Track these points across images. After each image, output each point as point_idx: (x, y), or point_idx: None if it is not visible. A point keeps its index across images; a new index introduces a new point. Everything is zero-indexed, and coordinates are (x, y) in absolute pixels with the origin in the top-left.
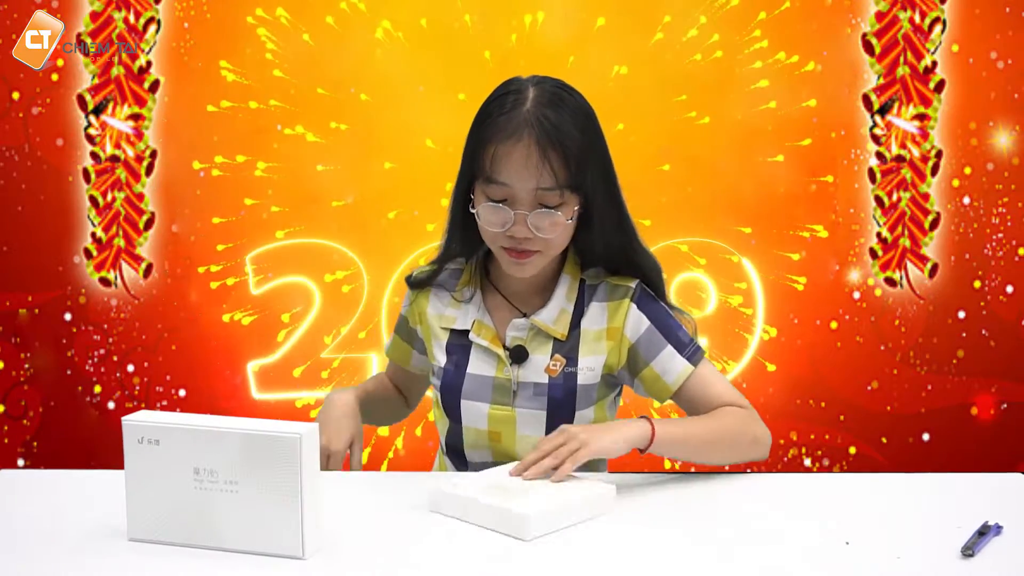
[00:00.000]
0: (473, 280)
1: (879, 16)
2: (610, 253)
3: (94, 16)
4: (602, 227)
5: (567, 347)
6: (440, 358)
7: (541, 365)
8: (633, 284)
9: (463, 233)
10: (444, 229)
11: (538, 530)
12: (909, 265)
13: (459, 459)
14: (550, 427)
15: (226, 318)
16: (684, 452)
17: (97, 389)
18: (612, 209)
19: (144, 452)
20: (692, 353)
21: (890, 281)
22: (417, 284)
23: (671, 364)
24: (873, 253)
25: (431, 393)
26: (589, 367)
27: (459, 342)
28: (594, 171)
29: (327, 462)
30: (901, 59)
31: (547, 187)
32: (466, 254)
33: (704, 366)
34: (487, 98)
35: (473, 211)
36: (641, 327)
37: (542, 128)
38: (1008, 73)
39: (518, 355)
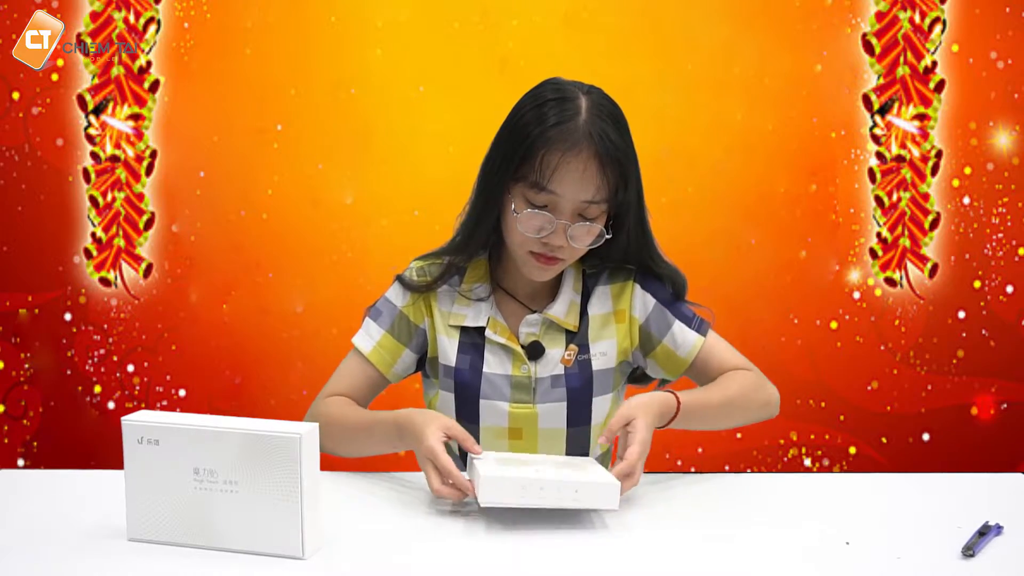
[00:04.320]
0: (485, 278)
1: (879, 16)
2: (627, 262)
3: (94, 16)
4: (627, 238)
5: (579, 336)
6: (451, 357)
7: (556, 358)
8: (634, 266)
9: (484, 229)
10: (462, 224)
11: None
12: (909, 265)
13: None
14: (571, 417)
15: (226, 319)
16: (703, 420)
17: (97, 389)
18: (638, 222)
19: (144, 452)
20: (699, 325)
21: (890, 281)
22: (426, 287)
23: (682, 338)
24: (873, 253)
25: (431, 394)
26: (602, 352)
27: (471, 340)
28: (633, 185)
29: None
30: (901, 59)
31: (597, 200)
32: (473, 252)
33: (711, 336)
34: (528, 102)
35: (515, 214)
36: (648, 306)
37: (602, 143)
38: (1008, 73)
39: (534, 351)
